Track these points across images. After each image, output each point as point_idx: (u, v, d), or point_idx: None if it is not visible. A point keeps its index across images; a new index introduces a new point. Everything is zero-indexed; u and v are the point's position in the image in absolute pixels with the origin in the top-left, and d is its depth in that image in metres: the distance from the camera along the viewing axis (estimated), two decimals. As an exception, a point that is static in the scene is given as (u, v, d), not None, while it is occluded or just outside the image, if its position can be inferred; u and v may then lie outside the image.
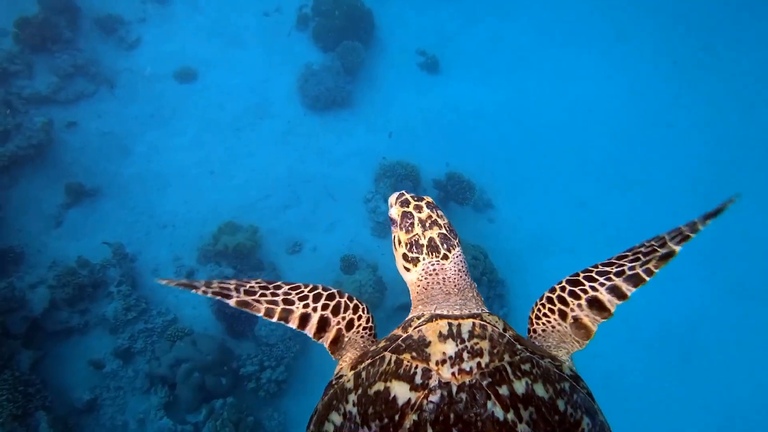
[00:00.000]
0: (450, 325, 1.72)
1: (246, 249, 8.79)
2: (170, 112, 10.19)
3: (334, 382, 1.83)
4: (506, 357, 1.63)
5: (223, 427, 7.80)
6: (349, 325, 2.02)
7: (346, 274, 8.84)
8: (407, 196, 2.15)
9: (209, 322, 8.56)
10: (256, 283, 2.04)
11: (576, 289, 1.98)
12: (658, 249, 1.94)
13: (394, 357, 1.67)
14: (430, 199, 2.16)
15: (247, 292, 1.98)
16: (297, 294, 2.04)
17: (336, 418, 1.67)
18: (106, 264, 8.50)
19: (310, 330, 1.97)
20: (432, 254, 2.04)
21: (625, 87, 12.45)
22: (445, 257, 2.04)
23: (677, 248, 1.91)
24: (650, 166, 11.32)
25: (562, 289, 2.01)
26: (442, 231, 2.07)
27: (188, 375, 7.86)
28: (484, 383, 1.53)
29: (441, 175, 9.78)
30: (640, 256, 1.96)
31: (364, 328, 2.04)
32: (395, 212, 2.13)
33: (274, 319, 1.96)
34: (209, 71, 10.76)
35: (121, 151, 9.74)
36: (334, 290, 2.08)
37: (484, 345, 1.66)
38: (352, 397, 1.65)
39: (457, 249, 2.07)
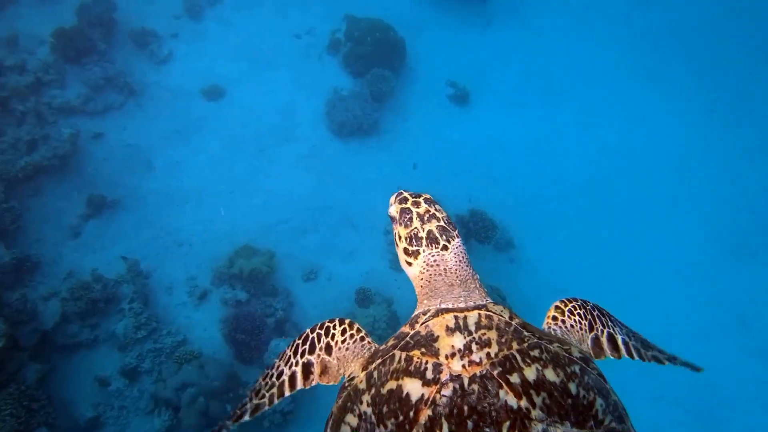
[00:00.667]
0: (456, 318, 1.75)
1: (261, 274, 8.68)
2: (195, 129, 10.18)
3: (347, 384, 1.86)
4: (515, 345, 1.65)
5: (224, 455, 7.64)
6: (328, 349, 2.07)
7: (361, 308, 8.68)
8: (405, 194, 2.21)
9: (219, 346, 8.44)
10: (257, 387, 2.15)
11: (604, 319, 2.09)
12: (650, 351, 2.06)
13: (404, 354, 1.69)
14: (428, 195, 2.21)
15: (256, 407, 2.07)
16: (284, 362, 2.13)
17: (351, 419, 1.70)
18: (120, 279, 8.44)
19: (298, 385, 2.05)
20: (432, 245, 2.08)
21: (656, 130, 12.21)
22: (445, 248, 2.08)
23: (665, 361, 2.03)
24: (677, 214, 11.04)
25: (594, 308, 2.10)
26: (440, 223, 2.12)
27: (193, 400, 7.72)
28: (495, 373, 1.54)
29: (464, 211, 9.61)
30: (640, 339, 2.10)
31: (344, 341, 2.08)
32: (394, 210, 2.19)
33: (279, 400, 2.06)
34: (237, 90, 10.76)
35: (144, 165, 9.73)
36: (308, 331, 2.15)
37: (492, 335, 1.68)
38: (366, 398, 1.68)
39: (457, 240, 2.12)
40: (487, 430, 1.44)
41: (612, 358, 2.01)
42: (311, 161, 10.26)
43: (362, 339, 2.09)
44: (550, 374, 1.58)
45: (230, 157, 10.03)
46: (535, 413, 1.47)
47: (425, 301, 2.04)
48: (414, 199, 2.18)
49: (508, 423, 1.45)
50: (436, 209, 2.17)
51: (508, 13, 13.09)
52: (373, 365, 1.77)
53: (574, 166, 11.43)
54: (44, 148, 8.73)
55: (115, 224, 9.13)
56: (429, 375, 1.59)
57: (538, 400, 1.50)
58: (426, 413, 1.50)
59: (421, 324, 1.80)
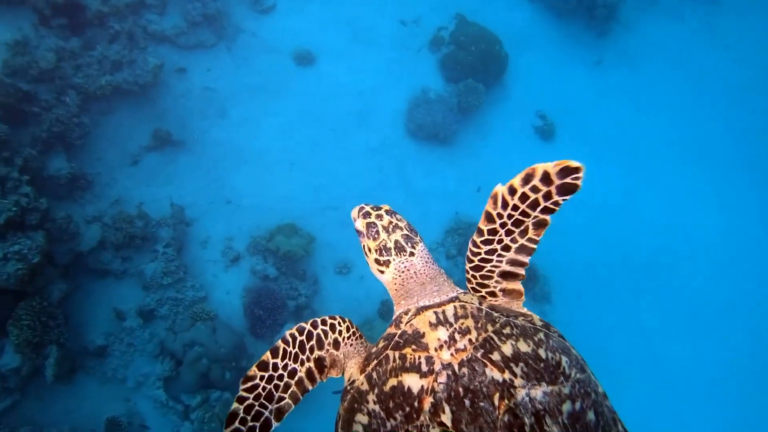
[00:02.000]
0: (436, 313, 1.97)
1: (296, 257, 8.61)
2: (276, 90, 10.02)
3: (349, 388, 2.04)
4: (489, 327, 1.89)
5: (210, 421, 7.74)
6: (336, 344, 2.23)
7: (381, 319, 8.56)
8: (367, 208, 2.35)
9: (236, 313, 8.48)
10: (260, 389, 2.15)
11: (484, 273, 2.15)
12: (524, 219, 2.00)
13: (397, 354, 1.90)
14: (387, 207, 2.36)
15: (278, 410, 2.15)
16: (291, 359, 2.19)
17: (361, 417, 1.89)
18: (162, 222, 8.50)
19: (317, 379, 2.21)
20: (400, 254, 2.25)
21: (738, 221, 11.46)
22: (412, 254, 2.26)
23: (547, 217, 1.99)
24: (736, 309, 10.43)
25: (474, 277, 2.18)
26: (404, 232, 2.29)
27: (197, 359, 7.82)
28: (479, 355, 1.78)
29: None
30: (512, 229, 2.03)
31: (349, 338, 2.25)
32: (360, 224, 2.32)
33: (303, 396, 2.19)
34: (327, 61, 10.51)
35: (217, 112, 9.67)
36: (309, 327, 2.22)
37: (469, 323, 1.90)
38: (371, 397, 1.87)
39: (420, 245, 2.30)
40: (482, 404, 1.67)
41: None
42: (378, 155, 10.02)
43: (361, 338, 2.29)
44: (522, 346, 1.83)
45: (301, 128, 9.86)
46: (518, 381, 1.71)
47: (402, 302, 2.23)
48: (376, 212, 2.33)
49: (497, 394, 1.68)
50: (397, 219, 2.32)
51: (622, 56, 12.31)
52: (370, 367, 1.96)
53: (637, 238, 10.86)
54: (127, 71, 8.73)
55: (173, 163, 9.16)
56: (424, 368, 1.80)
57: (517, 370, 1.74)
58: (428, 401, 1.73)
59: (406, 323, 2.00)
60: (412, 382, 1.79)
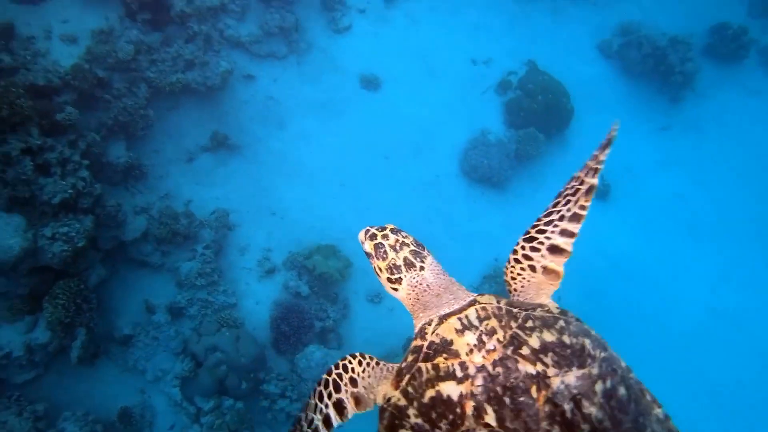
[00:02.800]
0: (459, 319, 2.01)
1: (331, 279, 8.57)
2: (338, 109, 10.09)
3: (385, 406, 2.04)
4: (513, 324, 1.94)
5: (219, 429, 7.71)
6: (353, 382, 2.30)
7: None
8: (372, 230, 2.44)
9: (261, 325, 8.47)
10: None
11: (534, 244, 2.33)
12: (580, 187, 2.34)
13: (429, 365, 1.93)
14: (392, 226, 2.45)
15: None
16: (311, 410, 2.33)
17: None
18: (205, 222, 8.61)
19: (334, 423, 2.29)
20: (410, 270, 2.33)
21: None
22: (422, 268, 2.34)
23: (595, 181, 2.32)
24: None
25: (522, 248, 2.36)
26: (411, 248, 2.37)
27: (216, 365, 7.83)
28: (509, 352, 1.83)
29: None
30: (569, 198, 2.35)
31: (363, 371, 2.31)
32: (368, 246, 2.41)
33: None
34: (393, 88, 10.53)
35: (277, 122, 9.79)
36: (325, 376, 2.36)
37: (493, 323, 1.95)
38: (411, 411, 1.90)
39: (429, 258, 2.38)
40: (522, 398, 1.72)
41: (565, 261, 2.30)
42: (428, 189, 9.94)
43: (377, 364, 2.34)
44: (547, 336, 1.88)
45: (357, 150, 9.88)
46: (551, 371, 1.77)
47: (421, 315, 2.27)
48: (382, 233, 2.41)
49: (534, 387, 1.74)
50: (403, 237, 2.41)
51: (691, 126, 11.95)
52: (404, 382, 1.97)
53: (679, 314, 10.42)
54: (198, 72, 8.93)
55: (226, 167, 9.29)
56: (459, 374, 1.84)
57: (548, 360, 1.80)
58: (470, 405, 1.76)
59: (432, 333, 2.03)
60: (451, 389, 1.82)
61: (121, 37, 8.59)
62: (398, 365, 2.16)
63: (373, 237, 2.42)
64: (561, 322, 1.97)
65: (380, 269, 2.40)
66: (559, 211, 2.36)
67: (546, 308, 2.07)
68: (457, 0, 11.26)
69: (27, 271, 6.92)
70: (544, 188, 10.68)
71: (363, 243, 2.46)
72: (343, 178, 9.69)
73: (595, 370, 1.85)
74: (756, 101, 12.38)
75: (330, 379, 2.34)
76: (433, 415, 1.83)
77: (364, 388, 2.28)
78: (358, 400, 2.28)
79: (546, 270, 2.32)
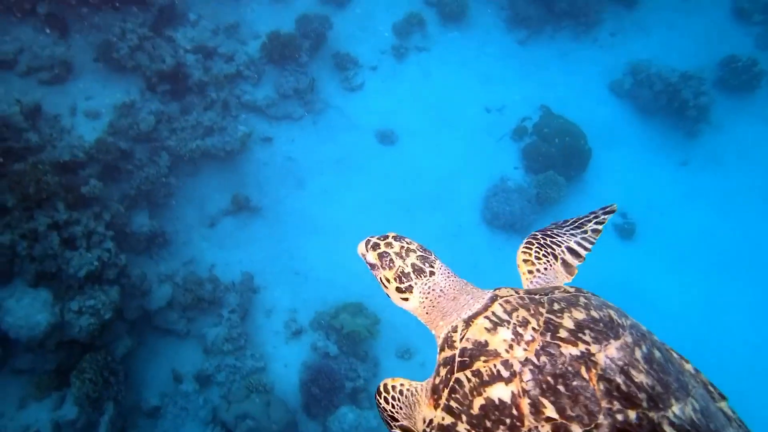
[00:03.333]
0: (487, 318, 1.88)
1: (359, 337, 8.40)
2: (357, 166, 10.14)
3: (428, 429, 1.92)
4: (541, 309, 1.85)
5: (253, 500, 7.43)
6: (394, 420, 2.22)
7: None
8: (373, 239, 2.28)
9: (292, 389, 8.27)
10: None
11: (556, 240, 2.45)
12: (586, 225, 2.53)
13: (468, 373, 1.80)
14: (393, 234, 2.30)
15: None
16: None
17: None
18: (230, 287, 8.55)
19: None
20: (420, 276, 2.19)
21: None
22: (432, 273, 2.20)
23: (600, 227, 2.51)
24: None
25: (545, 239, 2.45)
26: (418, 254, 2.24)
27: (247, 434, 7.61)
28: (548, 338, 1.74)
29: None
30: (581, 223, 2.56)
31: (393, 407, 2.22)
32: (372, 257, 2.25)
33: None
34: (409, 141, 10.60)
35: (297, 182, 9.84)
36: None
37: (522, 313, 1.85)
38: (462, 427, 1.77)
39: (438, 262, 2.25)
40: (576, 382, 1.63)
41: (579, 264, 2.39)
42: (452, 240, 9.84)
43: (402, 391, 2.20)
44: (577, 314, 1.81)
45: (377, 205, 9.86)
46: (593, 348, 1.70)
47: (440, 323, 2.13)
48: (385, 241, 2.27)
49: (583, 367, 1.66)
50: (407, 243, 2.27)
51: (710, 159, 11.83)
52: (443, 398, 1.84)
53: (718, 353, 9.99)
54: (218, 138, 9.07)
55: (248, 228, 9.30)
56: (505, 373, 1.72)
57: (587, 338, 1.73)
58: (525, 402, 1.65)
59: (461, 340, 1.90)
60: (501, 392, 1.71)
61: (142, 109, 8.78)
62: (430, 382, 2.00)
63: (376, 246, 2.26)
64: (582, 299, 1.93)
65: (387, 280, 2.24)
66: (570, 230, 2.50)
67: (562, 289, 2.04)
68: (467, 50, 11.44)
69: (54, 346, 6.86)
70: (568, 231, 10.52)
71: (365, 255, 2.31)
72: (365, 234, 9.61)
73: (629, 338, 1.82)
74: (774, 131, 12.28)
75: (383, 415, 2.28)
76: (488, 424, 1.70)
77: (403, 418, 2.19)
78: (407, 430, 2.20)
79: (564, 263, 2.39)
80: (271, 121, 10.04)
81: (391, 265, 2.21)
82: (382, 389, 2.25)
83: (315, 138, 10.19)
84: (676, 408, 1.69)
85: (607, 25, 12.25)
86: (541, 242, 2.46)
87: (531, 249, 2.45)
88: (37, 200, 6.94)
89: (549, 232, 2.49)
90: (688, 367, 2.03)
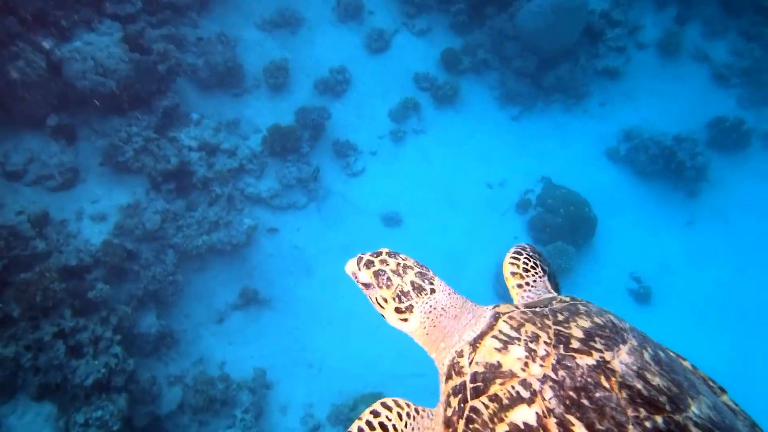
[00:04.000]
0: (495, 338, 1.79)
1: (380, 429, 7.98)
2: (363, 250, 10.02)
3: None
4: (548, 322, 1.78)
5: None
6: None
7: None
8: (366, 257, 2.15)
9: (312, 491, 7.77)
10: None
11: (540, 257, 2.43)
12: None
13: (485, 398, 1.68)
14: (387, 250, 2.18)
15: None
16: None
17: None
18: (242, 385, 8.22)
19: None
20: (420, 294, 2.05)
21: None
22: (432, 291, 2.07)
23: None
24: None
25: (528, 257, 2.38)
26: (416, 270, 2.10)
27: None
28: (562, 351, 1.67)
29: None
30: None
31: (406, 426, 1.98)
32: (366, 276, 2.11)
33: None
34: (414, 222, 10.60)
35: (305, 271, 9.73)
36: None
37: (531, 328, 1.77)
38: None
39: (437, 278, 2.12)
40: (598, 394, 1.55)
41: None
42: (465, 318, 9.60)
43: (417, 412, 2.02)
44: (583, 323, 1.76)
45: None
46: (607, 355, 1.64)
47: (441, 345, 2.02)
48: (379, 258, 2.13)
49: (602, 377, 1.59)
50: (403, 259, 2.14)
51: (715, 217, 11.83)
52: (459, 430, 1.71)
53: (759, 414, 9.54)
54: (224, 232, 9.04)
55: (258, 322, 9.08)
56: (525, 394, 1.62)
57: (598, 346, 1.67)
58: (552, 423, 1.54)
59: (471, 364, 1.79)
60: (525, 415, 1.59)
61: (147, 209, 8.81)
62: (440, 414, 1.85)
63: (370, 264, 2.12)
64: (581, 306, 1.88)
65: (385, 300, 2.08)
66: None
67: (558, 299, 1.97)
68: (463, 130, 11.68)
69: (61, 463, 6.49)
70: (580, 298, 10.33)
71: (356, 274, 2.17)
72: (377, 320, 9.39)
73: (635, 342, 1.77)
74: (770, 185, 12.39)
75: None
76: None
77: None
78: None
79: (551, 276, 2.38)
80: (275, 212, 10.06)
81: (389, 283, 2.07)
82: (391, 404, 2.04)
83: (320, 225, 10.18)
84: (694, 407, 1.62)
85: (596, 96, 12.61)
86: (530, 252, 2.40)
87: (519, 260, 2.37)
88: (43, 308, 6.79)
89: (534, 249, 2.45)
90: (687, 364, 1.98)
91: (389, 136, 11.34)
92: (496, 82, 12.24)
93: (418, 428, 1.99)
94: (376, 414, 2.02)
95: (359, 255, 2.19)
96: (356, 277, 2.18)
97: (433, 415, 2.01)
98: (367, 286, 2.14)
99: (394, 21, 12.46)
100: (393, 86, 11.78)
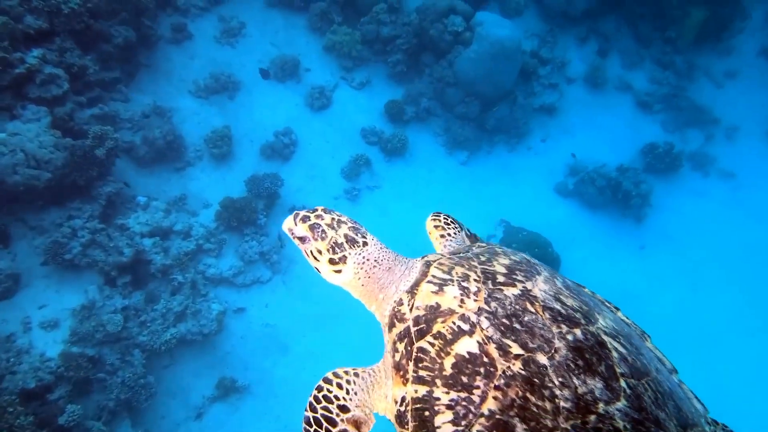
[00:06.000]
0: (430, 282, 1.97)
1: None
2: (336, 317, 9.71)
3: (402, 408, 1.85)
4: (473, 263, 2.01)
5: None
6: (344, 409, 2.05)
7: None
8: (302, 213, 2.24)
9: None
10: None
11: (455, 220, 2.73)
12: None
13: (429, 338, 1.84)
14: (322, 207, 2.28)
15: None
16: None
17: (443, 417, 1.73)
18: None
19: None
20: (353, 246, 2.17)
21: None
22: (365, 244, 2.20)
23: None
24: None
25: (446, 216, 2.75)
26: (349, 225, 2.23)
27: None
28: (491, 285, 1.89)
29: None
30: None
31: (348, 392, 2.07)
32: (301, 230, 2.19)
33: None
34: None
35: (280, 348, 9.26)
36: (309, 415, 2.09)
37: (460, 270, 1.98)
38: (439, 391, 1.75)
39: (369, 234, 2.26)
40: (527, 318, 1.79)
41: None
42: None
43: (357, 375, 2.12)
44: (504, 260, 2.03)
45: (371, 349, 9.37)
46: (528, 285, 1.90)
47: (380, 296, 2.14)
48: (314, 214, 2.23)
49: (527, 303, 1.83)
50: (338, 215, 2.25)
51: (663, 238, 12.43)
52: (410, 371, 1.83)
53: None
54: (192, 322, 8.47)
55: (239, 412, 8.51)
56: (466, 327, 1.80)
57: (519, 277, 1.94)
58: (492, 348, 1.74)
59: (411, 310, 1.93)
60: (468, 345, 1.76)
61: (104, 308, 8.11)
62: (387, 362, 1.98)
63: (306, 219, 2.21)
64: (497, 248, 2.14)
65: (319, 252, 2.18)
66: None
67: (475, 245, 2.24)
68: (416, 180, 11.66)
69: None
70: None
71: (292, 229, 2.24)
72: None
73: (546, 273, 2.01)
74: (705, 201, 13.18)
75: (320, 415, 2.07)
76: (465, 379, 1.73)
77: (358, 407, 2.07)
78: (357, 423, 2.05)
79: (468, 232, 2.70)
80: (240, 290, 9.56)
81: (323, 236, 2.16)
82: (330, 377, 2.13)
83: (288, 298, 9.76)
84: (601, 321, 1.89)
85: (536, 133, 13.01)
86: (446, 214, 2.67)
87: (439, 217, 2.67)
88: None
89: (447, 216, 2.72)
90: (587, 290, 2.26)
91: (344, 196, 11.14)
92: (441, 128, 12.36)
93: (361, 389, 2.09)
94: (319, 389, 2.13)
95: (295, 211, 2.29)
96: (292, 233, 2.25)
97: (373, 372, 2.12)
98: (302, 240, 2.22)
99: (333, 76, 12.37)
100: (341, 143, 11.63)
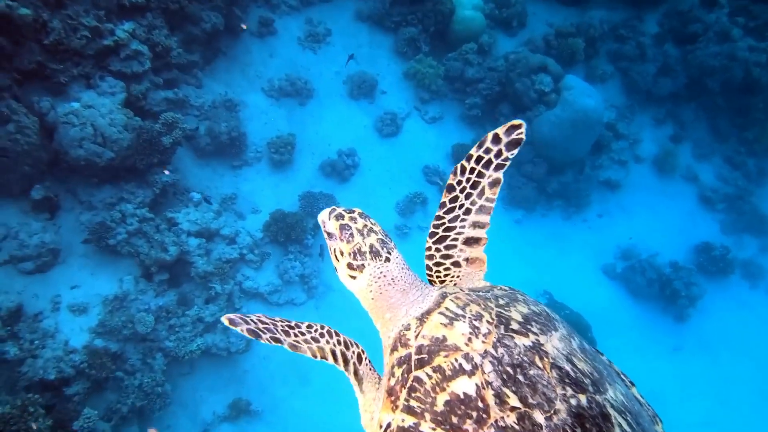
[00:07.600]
0: (442, 314, 1.88)
1: None
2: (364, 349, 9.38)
3: None
4: (490, 303, 1.90)
5: None
6: (359, 358, 2.10)
7: None
8: (339, 210, 2.19)
9: None
10: (286, 324, 2.11)
11: (448, 243, 2.22)
12: (479, 180, 2.13)
13: (428, 369, 1.76)
14: (360, 210, 2.21)
15: (286, 333, 2.07)
16: (317, 333, 2.12)
17: None
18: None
19: (339, 365, 2.04)
20: (375, 259, 2.10)
21: None
22: (387, 260, 2.11)
23: (500, 175, 2.12)
24: None
25: (438, 250, 2.24)
26: (379, 237, 2.14)
27: None
28: (503, 330, 1.80)
29: None
30: (469, 192, 2.16)
31: (366, 362, 2.11)
32: (332, 226, 2.16)
33: (318, 357, 2.02)
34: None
35: (300, 378, 8.92)
36: (330, 330, 2.16)
37: (474, 307, 1.88)
38: (426, 426, 1.68)
39: (395, 251, 2.17)
40: (532, 372, 1.69)
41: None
42: None
43: (371, 370, 2.12)
44: (521, 308, 1.91)
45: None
46: (541, 338, 1.79)
47: (387, 315, 2.08)
48: (350, 215, 2.17)
49: (537, 356, 1.73)
50: (372, 223, 2.18)
51: (700, 344, 11.99)
52: (402, 399, 1.77)
53: None
54: (221, 336, 8.16)
55: (247, 438, 8.19)
56: (467, 367, 1.71)
57: (534, 329, 1.82)
58: (490, 394, 1.65)
59: (417, 337, 1.86)
60: (465, 385, 1.69)
61: (136, 301, 7.81)
62: (384, 384, 1.89)
63: (340, 217, 2.14)
64: (519, 295, 2.03)
65: (341, 253, 2.12)
66: (462, 205, 2.18)
67: (498, 287, 2.11)
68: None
69: None
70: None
71: (325, 222, 2.18)
72: (373, 439, 8.71)
73: (564, 331, 1.90)
74: (748, 313, 12.73)
75: (343, 338, 2.16)
76: (454, 420, 1.64)
77: (361, 372, 2.07)
78: (356, 374, 2.04)
79: (469, 261, 2.25)
80: (271, 308, 9.22)
81: (350, 239, 2.10)
82: (355, 345, 2.16)
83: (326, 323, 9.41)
84: (611, 392, 1.77)
85: (595, 206, 12.62)
86: (439, 258, 2.26)
87: (431, 274, 2.33)
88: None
89: (439, 234, 2.23)
90: (604, 359, 2.12)
91: (394, 231, 10.79)
92: (504, 183, 11.98)
93: (366, 373, 2.07)
94: (338, 335, 2.17)
95: (333, 207, 2.21)
96: (324, 225, 2.20)
97: (379, 378, 2.05)
98: (330, 236, 2.17)
99: (407, 104, 12.03)
100: (401, 176, 11.29)
